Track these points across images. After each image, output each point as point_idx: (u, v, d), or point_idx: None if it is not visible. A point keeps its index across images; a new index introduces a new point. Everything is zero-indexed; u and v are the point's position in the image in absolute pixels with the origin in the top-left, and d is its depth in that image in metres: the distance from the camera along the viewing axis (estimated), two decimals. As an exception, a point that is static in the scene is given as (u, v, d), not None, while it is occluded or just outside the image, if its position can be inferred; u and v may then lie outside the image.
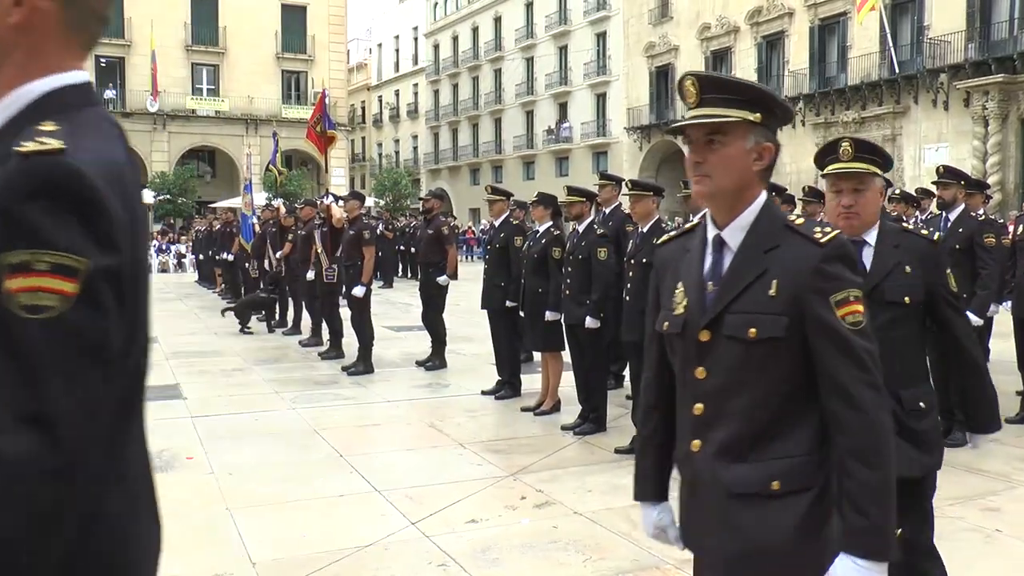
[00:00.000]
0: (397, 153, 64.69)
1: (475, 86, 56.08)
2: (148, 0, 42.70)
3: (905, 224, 3.20)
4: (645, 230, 6.50)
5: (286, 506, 5.31)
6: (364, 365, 9.74)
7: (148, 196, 40.48)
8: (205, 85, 45.55)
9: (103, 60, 42.97)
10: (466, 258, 34.97)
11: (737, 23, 36.42)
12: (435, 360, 10.04)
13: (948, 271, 3.12)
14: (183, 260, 33.47)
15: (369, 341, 9.86)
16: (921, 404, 3.00)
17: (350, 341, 10.45)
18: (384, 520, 5.00)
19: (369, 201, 33.18)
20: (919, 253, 3.06)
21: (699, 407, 2.04)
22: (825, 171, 3.17)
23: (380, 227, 22.55)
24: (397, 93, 65.53)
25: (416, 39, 63.38)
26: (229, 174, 44.71)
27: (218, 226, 20.45)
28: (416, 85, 62.96)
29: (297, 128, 35.46)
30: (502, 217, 8.88)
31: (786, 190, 8.69)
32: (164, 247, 35.22)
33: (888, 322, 2.92)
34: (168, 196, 40.16)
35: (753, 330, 1.94)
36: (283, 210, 14.38)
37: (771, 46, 35.48)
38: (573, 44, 47.07)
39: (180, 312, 17.28)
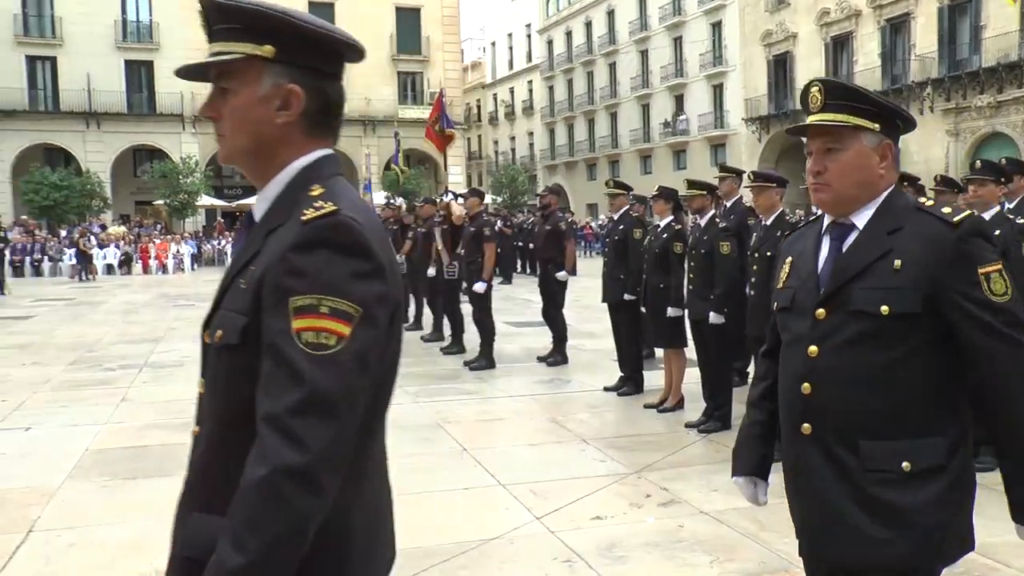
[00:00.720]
0: (513, 150, 65.06)
1: (590, 81, 55.89)
2: (272, 8, 44.16)
3: (924, 201, 2.21)
4: (768, 222, 6.34)
5: (412, 497, 5.39)
6: (486, 360, 9.83)
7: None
8: (325, 89, 46.74)
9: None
10: (584, 253, 34.88)
11: (858, 7, 35.19)
12: (556, 356, 10.05)
13: (987, 269, 2.00)
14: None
15: (491, 336, 9.94)
16: (905, 465, 2.00)
17: (471, 336, 10.56)
18: (508, 514, 5.03)
19: (487, 198, 33.48)
20: (926, 241, 2.04)
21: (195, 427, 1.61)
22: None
23: (498, 224, 22.71)
24: (512, 90, 65.90)
25: (529, 36, 63.56)
26: (348, 174, 45.65)
27: (340, 225, 20.96)
28: (531, 82, 63.17)
29: (414, 128, 36.02)
30: (622, 211, 8.82)
31: (919, 180, 8.33)
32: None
33: (852, 340, 2.06)
34: (292, 197, 41.34)
35: (220, 332, 1.50)
36: (404, 208, 14.63)
37: (895, 30, 34.12)
38: (688, 35, 46.39)
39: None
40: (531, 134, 63.44)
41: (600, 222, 37.86)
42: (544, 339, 10.65)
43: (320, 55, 1.58)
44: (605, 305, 8.83)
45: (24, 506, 5.29)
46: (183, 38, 42.93)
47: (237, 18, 1.51)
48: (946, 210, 2.09)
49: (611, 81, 53.59)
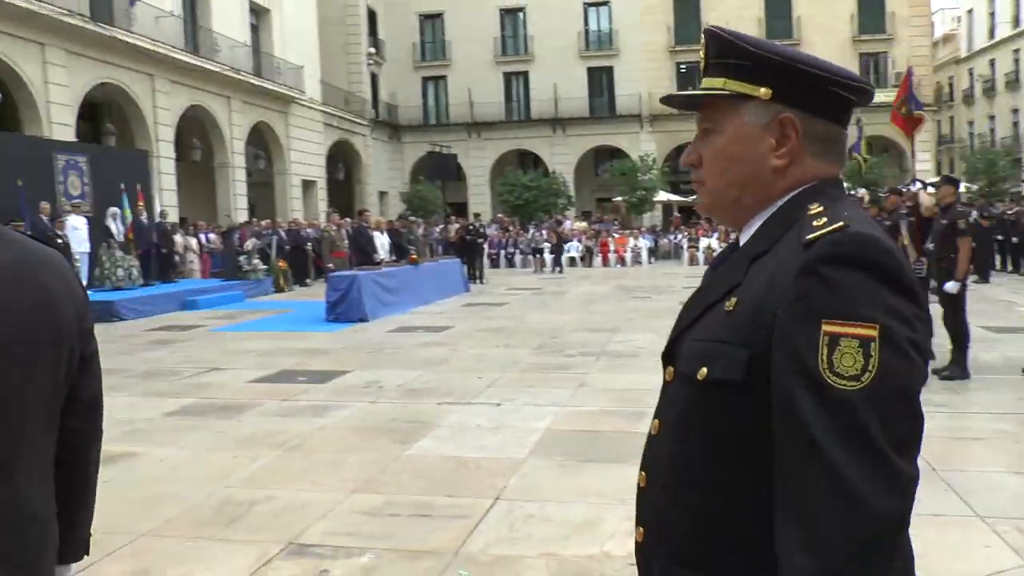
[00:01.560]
0: (992, 131, 58.40)
1: (1092, 46, 48.40)
2: (722, 1, 44.39)
3: (814, 209, 1.30)
4: None
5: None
6: (959, 369, 8.84)
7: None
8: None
9: (682, 67, 45.77)
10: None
11: None
12: (1045, 367, 8.77)
13: (839, 328, 1.16)
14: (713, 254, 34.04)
15: (964, 343, 8.94)
16: None
17: (940, 342, 9.57)
18: (988, 553, 4.38)
19: (960, 186, 30.50)
20: (775, 271, 1.27)
21: None
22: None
23: (974, 215, 20.51)
24: (992, 63, 59.04)
25: None
26: (805, 165, 44.49)
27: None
28: (1016, 51, 56.02)
29: (877, 112, 33.71)
30: None
31: None
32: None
33: (679, 417, 1.37)
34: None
35: None
36: (866, 199, 13.77)
37: None
38: None
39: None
40: (1015, 111, 56.36)
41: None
42: (1032, 347, 9.35)
43: None
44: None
45: (493, 475, 5.83)
46: (640, 41, 45.06)
47: None
48: (822, 222, 1.26)
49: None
